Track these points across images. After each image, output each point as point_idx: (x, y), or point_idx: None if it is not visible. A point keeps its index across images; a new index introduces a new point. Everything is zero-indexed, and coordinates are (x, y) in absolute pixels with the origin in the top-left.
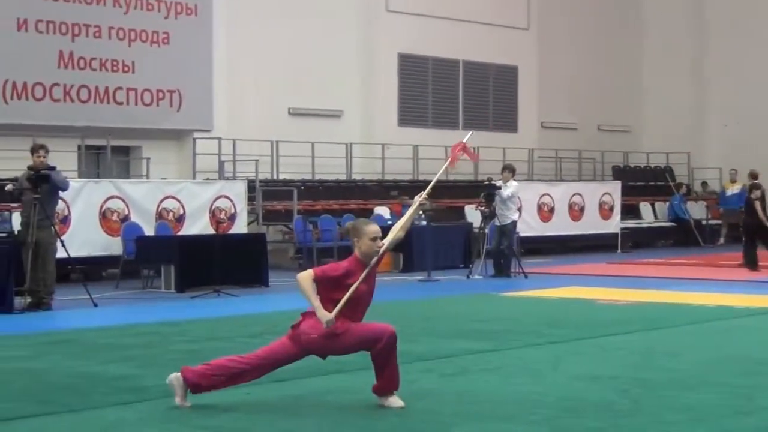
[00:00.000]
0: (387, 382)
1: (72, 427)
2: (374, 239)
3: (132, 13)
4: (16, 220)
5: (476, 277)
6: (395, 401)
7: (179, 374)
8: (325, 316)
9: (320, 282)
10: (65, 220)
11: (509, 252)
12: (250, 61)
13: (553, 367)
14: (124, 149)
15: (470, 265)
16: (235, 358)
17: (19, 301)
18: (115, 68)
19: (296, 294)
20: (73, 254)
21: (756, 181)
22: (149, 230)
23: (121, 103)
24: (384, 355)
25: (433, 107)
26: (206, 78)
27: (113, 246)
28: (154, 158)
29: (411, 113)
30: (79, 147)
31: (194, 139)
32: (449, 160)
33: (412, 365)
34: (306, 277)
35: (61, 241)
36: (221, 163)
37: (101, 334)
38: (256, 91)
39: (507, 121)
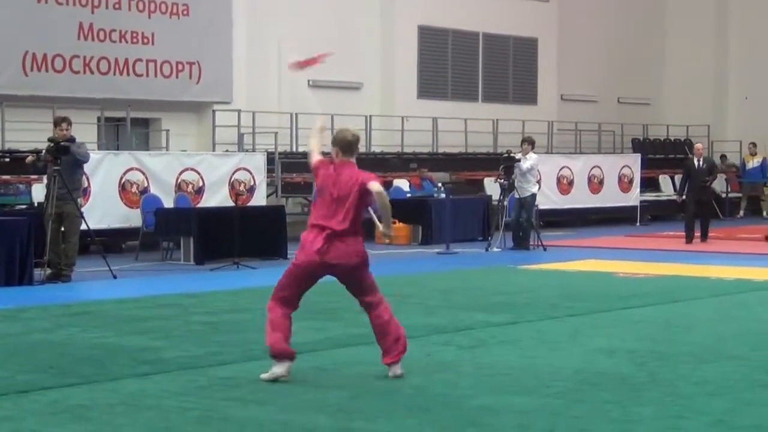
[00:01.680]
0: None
1: (91, 399)
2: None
3: None
4: (36, 192)
5: (495, 249)
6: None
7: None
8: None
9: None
10: (85, 192)
11: (528, 225)
12: (269, 33)
13: (571, 339)
14: (143, 121)
15: (489, 238)
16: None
17: (38, 273)
18: (134, 40)
19: None
20: (93, 226)
21: None
22: (168, 202)
23: (140, 75)
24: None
25: (452, 79)
26: (226, 50)
27: (132, 218)
28: (174, 130)
29: (430, 85)
30: (99, 119)
31: (214, 111)
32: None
33: (430, 338)
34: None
35: (81, 214)
36: (240, 136)
37: (120, 306)
38: (276, 63)
39: (526, 94)
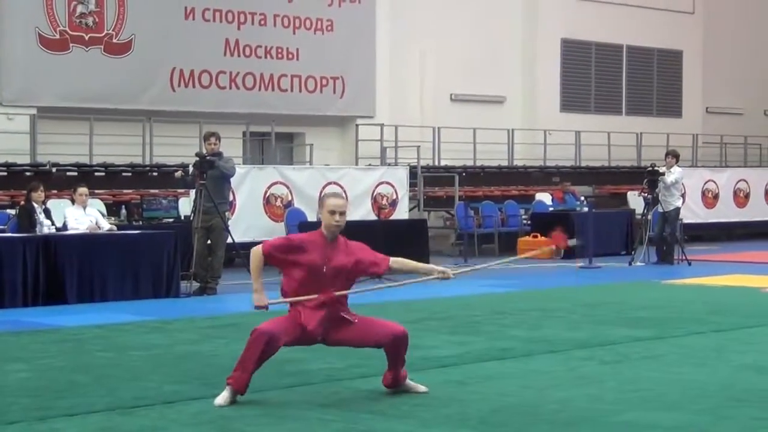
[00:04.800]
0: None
1: (235, 410)
2: (332, 213)
3: (296, 1)
4: (183, 206)
5: (638, 264)
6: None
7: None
8: (259, 300)
9: (271, 256)
10: (230, 206)
11: (672, 239)
12: (412, 47)
13: (717, 355)
14: (287, 136)
15: (632, 252)
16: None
17: (184, 286)
18: (279, 55)
19: (458, 281)
20: (238, 239)
21: None
22: (312, 216)
23: (285, 90)
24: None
25: (596, 92)
26: (369, 65)
27: (277, 231)
28: (317, 144)
29: (573, 99)
30: (244, 134)
31: (357, 126)
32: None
33: (573, 352)
34: (255, 252)
35: (227, 227)
36: (383, 149)
37: (265, 319)
38: (419, 78)
39: (671, 106)
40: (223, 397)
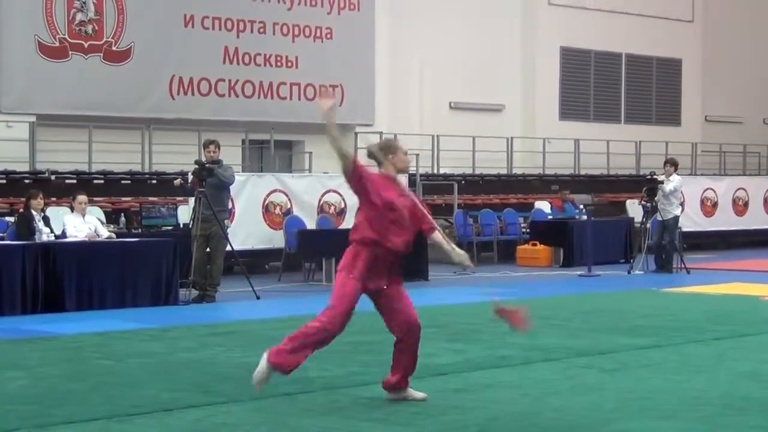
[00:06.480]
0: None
1: (235, 417)
2: (406, 153)
3: (296, 9)
4: (182, 214)
5: (637, 272)
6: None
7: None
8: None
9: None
10: (229, 214)
11: (671, 247)
12: (411, 55)
13: (716, 363)
14: (286, 143)
15: (631, 261)
16: (313, 324)
17: (183, 294)
18: (278, 63)
19: (457, 288)
20: (237, 247)
21: None
22: (311, 224)
23: (284, 98)
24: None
25: (594, 101)
26: (368, 73)
27: (275, 239)
28: (317, 152)
29: (572, 107)
30: (243, 141)
31: (356, 133)
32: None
33: (572, 360)
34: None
35: (226, 235)
36: None
37: (264, 326)
38: (418, 86)
39: (670, 115)
40: (261, 372)
